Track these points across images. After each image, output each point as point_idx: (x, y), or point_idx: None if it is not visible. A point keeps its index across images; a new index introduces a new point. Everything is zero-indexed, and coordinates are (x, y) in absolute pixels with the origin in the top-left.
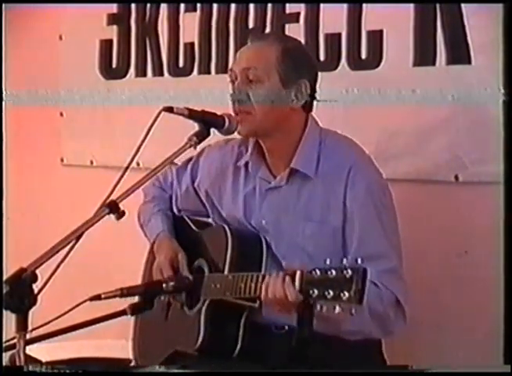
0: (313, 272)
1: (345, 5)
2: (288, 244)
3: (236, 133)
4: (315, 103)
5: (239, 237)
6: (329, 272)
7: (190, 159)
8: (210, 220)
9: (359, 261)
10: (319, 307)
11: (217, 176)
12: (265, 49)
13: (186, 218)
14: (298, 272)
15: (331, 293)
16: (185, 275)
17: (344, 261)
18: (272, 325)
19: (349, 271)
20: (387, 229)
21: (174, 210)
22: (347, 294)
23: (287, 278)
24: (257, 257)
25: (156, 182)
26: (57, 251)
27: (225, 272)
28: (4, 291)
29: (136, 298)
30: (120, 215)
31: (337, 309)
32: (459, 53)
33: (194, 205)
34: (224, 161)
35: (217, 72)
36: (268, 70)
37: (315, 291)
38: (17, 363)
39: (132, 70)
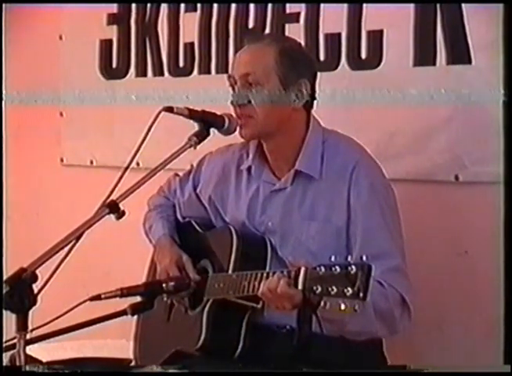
0: (317, 269)
1: (345, 5)
2: (294, 245)
3: (235, 134)
4: (315, 102)
5: (245, 238)
6: (333, 269)
7: (193, 168)
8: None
9: (364, 258)
10: (322, 304)
11: (219, 181)
12: (262, 52)
13: (192, 221)
14: (302, 269)
15: (335, 289)
16: (193, 276)
17: (349, 258)
18: (273, 325)
19: (353, 267)
20: (390, 227)
21: (179, 217)
22: (350, 290)
23: (291, 275)
24: (261, 258)
25: (160, 192)
26: (57, 251)
27: (230, 272)
28: (4, 291)
29: (137, 298)
30: (120, 215)
31: (342, 306)
32: (459, 53)
33: (197, 212)
34: (226, 166)
35: (217, 72)
36: (266, 73)
37: (319, 288)
38: (17, 363)
39: (132, 70)
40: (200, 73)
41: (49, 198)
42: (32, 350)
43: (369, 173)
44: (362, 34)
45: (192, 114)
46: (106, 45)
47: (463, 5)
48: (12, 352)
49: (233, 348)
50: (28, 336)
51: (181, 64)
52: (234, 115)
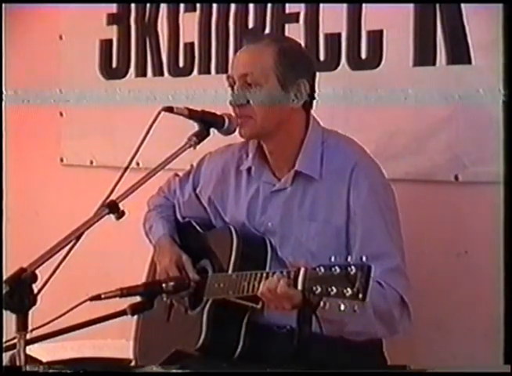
0: (317, 269)
1: (345, 5)
2: (294, 245)
3: (236, 134)
4: (315, 102)
5: (245, 239)
6: (333, 270)
7: (193, 168)
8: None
9: (364, 258)
10: (322, 304)
11: (219, 182)
12: (260, 52)
13: (192, 221)
14: (302, 270)
15: (334, 289)
16: (192, 275)
17: (349, 258)
18: (273, 325)
19: (353, 268)
20: (390, 227)
21: (178, 217)
22: (350, 290)
23: (291, 275)
24: (261, 258)
25: (160, 192)
26: (57, 251)
27: (229, 272)
28: (4, 291)
29: (137, 298)
30: (120, 215)
31: (342, 306)
32: (459, 53)
33: (197, 212)
34: (225, 166)
35: (217, 72)
36: (265, 74)
37: (319, 288)
38: (17, 363)
39: (132, 70)
40: (200, 73)
41: (49, 198)
42: (32, 350)
43: (368, 173)
44: (362, 34)
45: (192, 114)
46: (106, 45)
47: (463, 5)
48: (12, 352)
49: (233, 348)
50: (28, 336)
51: (181, 64)
52: (234, 115)
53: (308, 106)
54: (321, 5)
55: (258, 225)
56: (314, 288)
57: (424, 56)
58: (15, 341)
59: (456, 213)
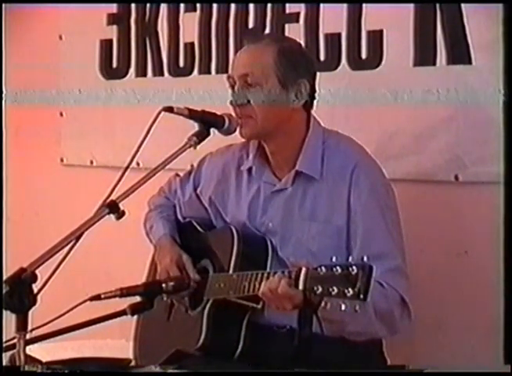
0: (318, 269)
1: (345, 5)
2: (294, 245)
3: (236, 134)
4: (315, 102)
5: (245, 239)
6: (334, 269)
7: (193, 168)
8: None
9: (365, 258)
10: (323, 304)
11: (219, 182)
12: (260, 52)
13: (193, 221)
14: (303, 270)
15: (335, 289)
16: (193, 275)
17: (350, 258)
18: (273, 325)
19: (354, 268)
20: (390, 227)
21: (179, 218)
22: (351, 290)
23: (292, 275)
24: (262, 258)
25: (160, 192)
26: (57, 251)
27: (230, 272)
28: (4, 291)
29: (137, 298)
30: (120, 214)
31: (343, 306)
32: (460, 53)
33: (198, 212)
34: (226, 167)
35: (217, 72)
36: (265, 74)
37: (320, 288)
38: (17, 363)
39: (132, 70)
40: (200, 73)
41: (49, 198)
42: (32, 350)
43: (369, 173)
44: (362, 34)
45: (192, 114)
46: (106, 45)
47: (463, 5)
48: (12, 352)
49: (233, 348)
50: (28, 336)
51: (181, 64)
52: (234, 115)
53: (308, 106)
54: (321, 5)
55: (259, 225)
56: (315, 288)
57: (424, 56)
58: (15, 341)
59: (456, 213)
